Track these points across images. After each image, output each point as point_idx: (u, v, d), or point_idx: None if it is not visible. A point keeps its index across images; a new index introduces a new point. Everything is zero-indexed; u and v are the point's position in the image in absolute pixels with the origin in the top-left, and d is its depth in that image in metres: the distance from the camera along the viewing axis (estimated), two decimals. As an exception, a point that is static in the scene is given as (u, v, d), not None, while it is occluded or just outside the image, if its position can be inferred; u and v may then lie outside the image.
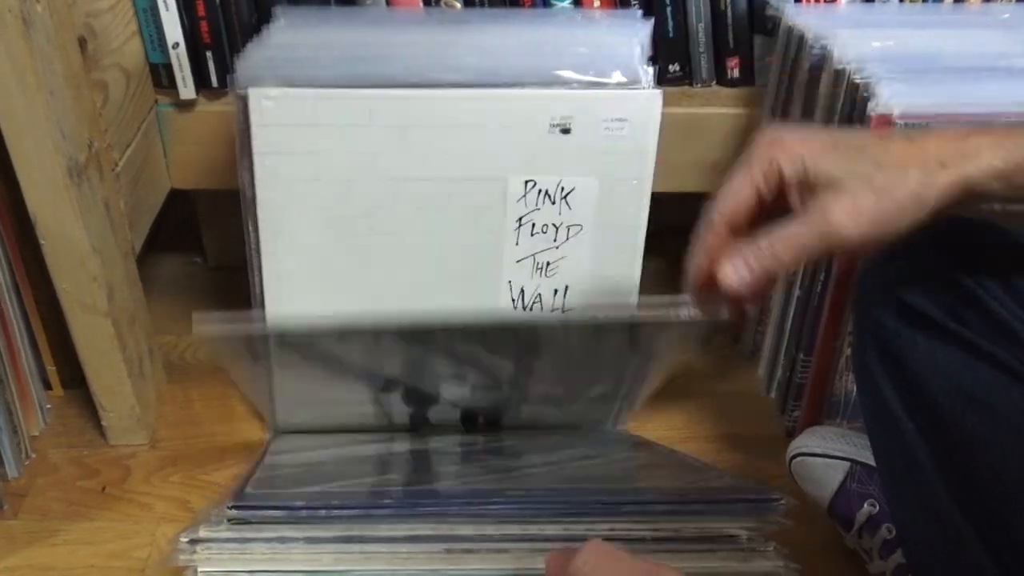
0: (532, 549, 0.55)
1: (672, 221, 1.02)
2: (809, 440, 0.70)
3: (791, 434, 0.75)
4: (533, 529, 0.56)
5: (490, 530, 0.56)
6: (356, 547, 0.55)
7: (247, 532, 0.55)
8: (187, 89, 0.77)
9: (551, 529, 0.55)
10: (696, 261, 0.46)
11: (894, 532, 0.62)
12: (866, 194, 0.41)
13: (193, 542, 0.55)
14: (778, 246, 0.43)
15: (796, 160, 0.43)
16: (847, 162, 0.42)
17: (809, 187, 0.43)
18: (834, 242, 0.42)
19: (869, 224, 0.41)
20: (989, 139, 0.42)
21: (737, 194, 0.44)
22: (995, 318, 0.49)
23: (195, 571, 0.54)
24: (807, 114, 0.71)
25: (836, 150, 0.43)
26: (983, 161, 0.41)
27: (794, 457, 0.70)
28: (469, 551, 0.55)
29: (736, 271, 0.43)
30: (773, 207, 0.45)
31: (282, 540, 0.55)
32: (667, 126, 0.68)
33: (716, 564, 0.58)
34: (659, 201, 0.74)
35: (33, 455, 0.77)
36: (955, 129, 0.43)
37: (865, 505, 0.65)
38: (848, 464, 0.67)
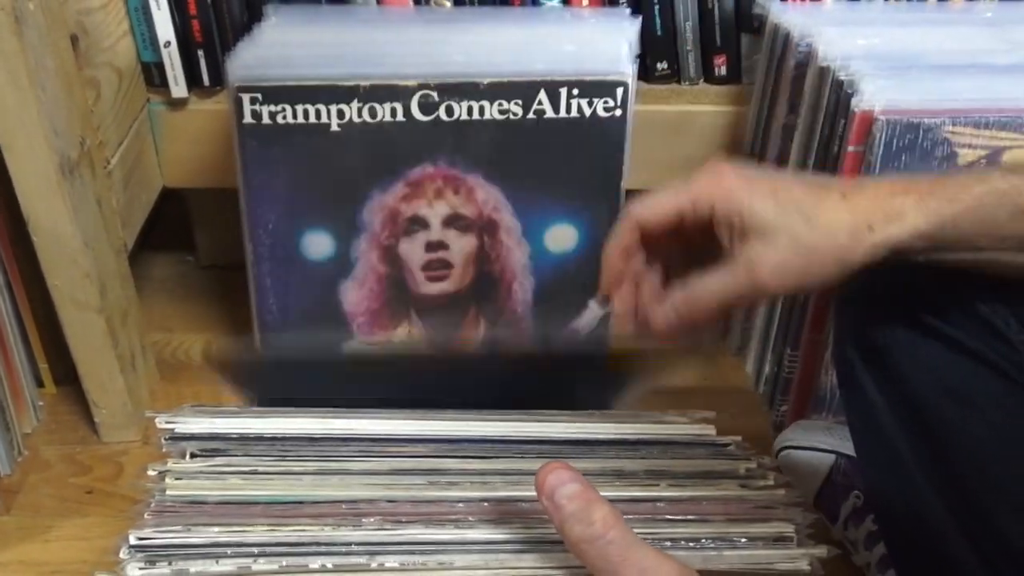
0: (518, 481, 0.52)
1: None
2: (795, 434, 0.71)
3: (779, 428, 0.76)
4: (519, 464, 0.53)
5: (475, 465, 0.54)
6: (333, 479, 0.53)
7: (219, 463, 0.53)
8: (179, 88, 0.77)
9: (534, 466, 0.54)
10: (607, 257, 0.47)
11: (879, 524, 0.62)
12: (794, 253, 0.43)
13: (161, 474, 0.52)
14: (704, 295, 0.44)
15: (733, 201, 0.43)
16: (782, 214, 0.43)
17: (741, 232, 0.43)
18: (757, 295, 0.44)
19: (794, 282, 0.43)
20: (914, 198, 0.43)
21: (660, 204, 0.45)
22: (976, 312, 0.50)
23: (163, 492, 0.51)
24: (793, 111, 0.72)
25: (774, 199, 0.43)
26: (908, 224, 0.43)
27: (781, 450, 0.71)
28: (453, 484, 0.52)
29: (665, 318, 0.45)
30: (693, 240, 0.45)
31: (255, 472, 0.53)
32: (655, 124, 0.69)
33: (717, 493, 0.55)
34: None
35: (26, 452, 0.77)
36: (888, 184, 0.44)
37: (850, 497, 0.66)
38: (833, 457, 0.68)
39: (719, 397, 0.84)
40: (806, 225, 0.43)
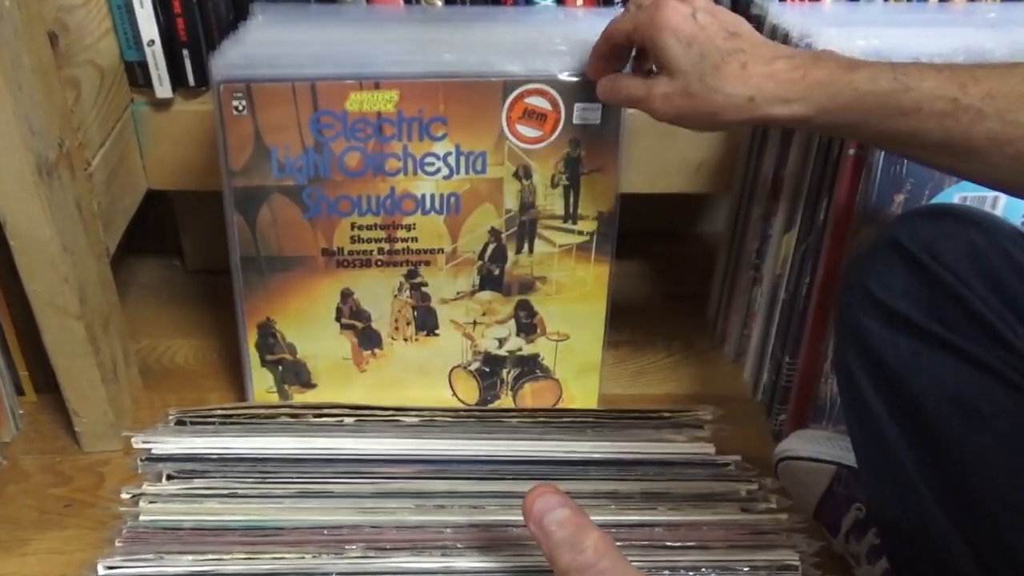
0: (508, 505, 0.52)
1: (653, 223, 1.02)
2: (795, 444, 0.69)
3: (778, 437, 0.74)
4: (509, 485, 0.53)
5: (463, 486, 0.52)
6: (315, 502, 0.51)
7: (196, 486, 0.51)
8: (163, 88, 0.75)
9: (526, 488, 0.53)
10: (590, 61, 0.63)
11: (881, 537, 0.61)
12: (680, 95, 0.53)
13: (135, 497, 0.51)
14: (621, 90, 0.59)
15: (657, 39, 0.53)
16: (686, 62, 0.52)
17: (656, 62, 0.55)
18: (647, 111, 0.56)
19: (673, 115, 0.54)
20: (803, 88, 0.50)
21: (615, 27, 0.58)
22: (979, 319, 0.49)
23: (136, 517, 0.49)
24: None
25: (688, 46, 0.52)
26: (788, 109, 0.50)
27: (780, 461, 0.69)
28: (440, 507, 0.51)
29: (599, 89, 0.61)
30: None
31: (233, 494, 0.51)
32: (649, 127, 0.67)
33: (717, 517, 0.54)
34: (641, 203, 0.73)
35: (4, 462, 0.75)
36: (792, 64, 0.50)
37: (852, 509, 0.64)
38: (835, 468, 0.66)
39: (717, 405, 0.83)
40: (699, 79, 0.52)
